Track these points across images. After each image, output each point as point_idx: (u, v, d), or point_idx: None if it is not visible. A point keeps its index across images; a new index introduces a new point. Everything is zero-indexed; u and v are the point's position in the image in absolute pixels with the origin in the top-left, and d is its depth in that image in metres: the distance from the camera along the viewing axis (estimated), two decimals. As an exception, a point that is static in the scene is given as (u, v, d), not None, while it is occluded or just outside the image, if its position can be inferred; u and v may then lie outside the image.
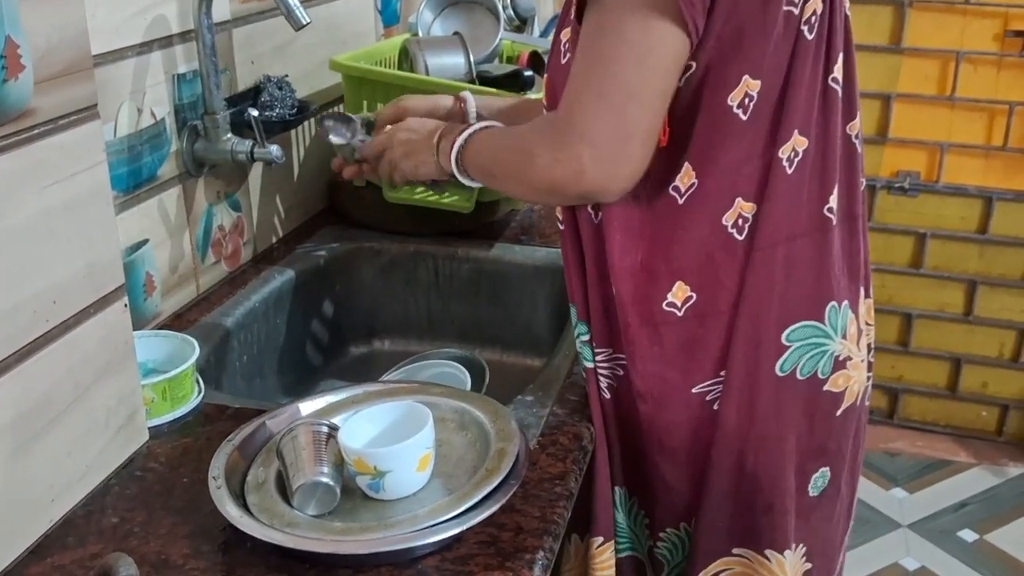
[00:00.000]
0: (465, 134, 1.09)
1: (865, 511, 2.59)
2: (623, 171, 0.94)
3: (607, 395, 1.11)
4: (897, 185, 2.79)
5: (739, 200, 1.00)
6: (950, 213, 2.79)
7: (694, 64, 0.95)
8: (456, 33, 1.71)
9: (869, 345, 1.15)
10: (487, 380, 1.37)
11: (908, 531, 2.55)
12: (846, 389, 1.10)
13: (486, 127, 1.11)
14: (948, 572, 2.40)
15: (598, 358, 1.10)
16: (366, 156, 1.28)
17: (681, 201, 1.00)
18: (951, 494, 2.69)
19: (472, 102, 1.29)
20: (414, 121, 1.22)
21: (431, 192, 1.56)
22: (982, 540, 2.51)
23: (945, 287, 2.85)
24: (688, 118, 0.98)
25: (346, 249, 1.60)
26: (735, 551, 1.11)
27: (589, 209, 1.05)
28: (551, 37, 2.02)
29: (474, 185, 1.13)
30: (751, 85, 0.96)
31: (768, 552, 1.10)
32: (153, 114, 1.26)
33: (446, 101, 1.30)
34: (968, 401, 2.93)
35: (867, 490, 2.68)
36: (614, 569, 1.15)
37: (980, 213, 2.76)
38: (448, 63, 1.64)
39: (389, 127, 1.24)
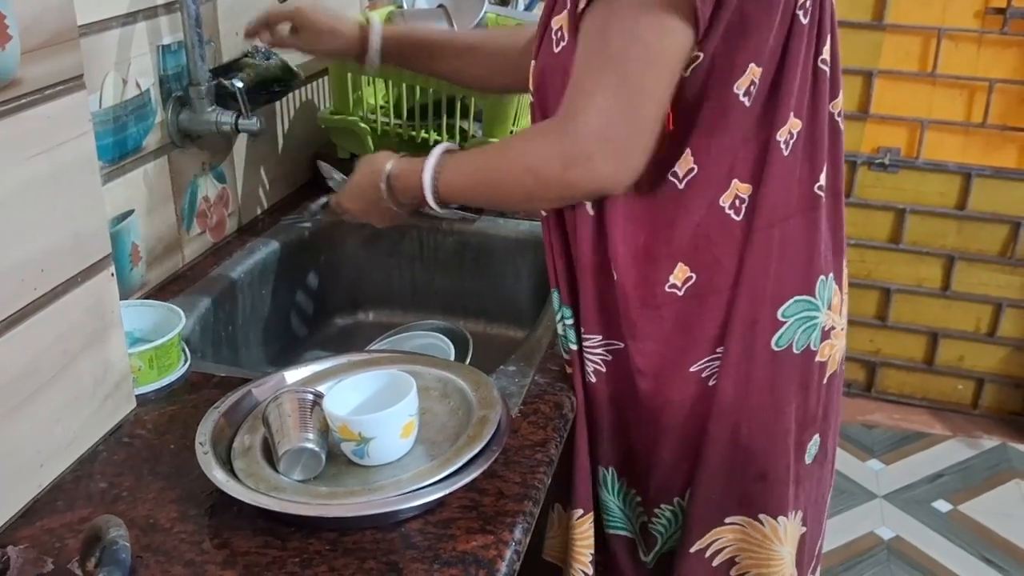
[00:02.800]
0: (429, 174, 1.05)
1: (842, 481, 2.64)
2: (633, 164, 0.95)
3: (593, 379, 1.12)
4: (878, 161, 2.81)
5: (735, 181, 1.02)
6: (929, 189, 2.81)
7: (702, 55, 0.96)
8: (441, 5, 1.72)
9: (845, 313, 1.18)
10: (470, 351, 1.39)
11: (884, 501, 2.59)
12: (830, 358, 1.13)
13: (445, 156, 1.07)
14: (922, 541, 2.44)
15: (587, 343, 1.11)
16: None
17: (681, 186, 1.02)
18: (926, 465, 2.74)
19: (378, 29, 1.25)
20: (355, 197, 1.18)
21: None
22: (956, 510, 2.56)
23: (923, 262, 2.88)
24: (693, 106, 0.99)
25: (331, 221, 1.61)
26: (727, 520, 1.13)
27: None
28: (536, 11, 2.04)
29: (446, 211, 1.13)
30: (755, 72, 0.97)
31: (762, 516, 1.13)
32: (138, 85, 1.26)
33: (350, 28, 1.27)
34: (944, 374, 2.97)
35: (844, 461, 2.72)
36: (592, 540, 1.18)
37: (959, 189, 2.79)
38: (432, 36, 1.64)
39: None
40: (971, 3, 2.61)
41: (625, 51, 0.91)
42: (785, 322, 1.07)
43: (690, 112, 0.99)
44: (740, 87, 0.98)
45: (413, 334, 1.47)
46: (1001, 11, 2.58)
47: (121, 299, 1.06)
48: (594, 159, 0.93)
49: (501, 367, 1.16)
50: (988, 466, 2.74)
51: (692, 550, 1.14)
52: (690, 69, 0.97)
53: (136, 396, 1.08)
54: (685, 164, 1.01)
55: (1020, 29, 2.59)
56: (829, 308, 1.10)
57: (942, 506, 2.57)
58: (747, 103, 0.99)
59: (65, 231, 0.93)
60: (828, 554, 2.37)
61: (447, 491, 0.89)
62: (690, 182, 1.02)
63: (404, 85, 1.59)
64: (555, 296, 1.13)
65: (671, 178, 1.02)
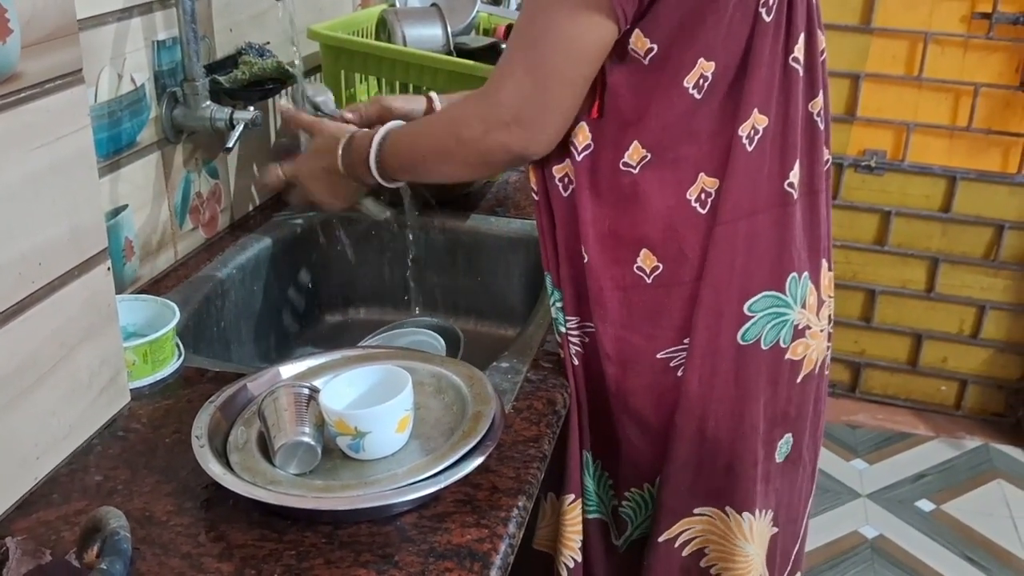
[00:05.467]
0: (376, 140, 1.14)
1: (826, 481, 2.66)
2: (545, 138, 1.03)
3: (575, 361, 1.14)
4: (864, 163, 2.84)
5: (702, 175, 1.04)
6: (915, 192, 2.84)
7: (656, 47, 0.99)
8: (434, 4, 1.73)
9: (829, 316, 1.19)
10: (462, 349, 1.40)
11: (867, 500, 2.62)
12: (804, 357, 1.14)
13: (392, 128, 1.15)
14: (905, 540, 2.47)
15: (568, 324, 1.14)
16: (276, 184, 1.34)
17: (636, 172, 1.04)
18: (910, 465, 2.77)
19: (437, 100, 1.35)
20: (311, 159, 1.26)
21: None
22: (938, 510, 2.58)
23: (908, 264, 2.91)
24: (642, 96, 1.01)
25: (322, 218, 1.61)
26: (696, 511, 1.15)
27: (558, 182, 1.08)
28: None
29: (393, 186, 1.19)
30: (705, 67, 1.00)
31: (728, 509, 1.15)
32: (133, 80, 1.27)
33: (420, 104, 1.35)
34: (928, 376, 3.00)
35: (828, 461, 2.74)
36: (582, 526, 1.20)
37: (944, 192, 2.82)
38: (426, 34, 1.66)
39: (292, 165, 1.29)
40: (957, 8, 2.63)
41: (544, 35, 0.99)
42: (752, 316, 1.08)
43: (639, 101, 1.02)
44: (689, 81, 1.00)
45: (404, 331, 1.48)
46: (987, 16, 2.61)
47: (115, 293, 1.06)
48: (510, 128, 1.02)
49: (494, 363, 1.17)
50: (971, 466, 2.77)
51: (661, 539, 1.16)
52: (647, 59, 0.99)
53: (131, 390, 1.08)
54: (636, 153, 1.03)
55: (1005, 34, 2.62)
56: (803, 307, 1.11)
57: (925, 505, 2.60)
58: (697, 96, 1.01)
59: (63, 225, 0.94)
60: (812, 553, 2.39)
61: (442, 485, 0.90)
62: (646, 168, 1.04)
63: (397, 83, 1.59)
64: (548, 279, 1.15)
65: (623, 168, 1.04)
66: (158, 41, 1.31)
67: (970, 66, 2.68)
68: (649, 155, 1.03)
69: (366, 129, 1.21)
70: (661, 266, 1.06)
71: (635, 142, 1.03)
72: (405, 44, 1.62)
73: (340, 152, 1.19)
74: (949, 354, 2.97)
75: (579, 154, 1.05)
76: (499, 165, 1.13)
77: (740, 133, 1.02)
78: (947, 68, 2.70)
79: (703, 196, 1.04)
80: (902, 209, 2.86)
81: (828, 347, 1.20)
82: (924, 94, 2.74)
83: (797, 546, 1.30)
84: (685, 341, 1.08)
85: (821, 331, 1.16)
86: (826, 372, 1.22)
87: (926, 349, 2.97)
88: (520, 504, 0.93)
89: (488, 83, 1.03)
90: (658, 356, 1.09)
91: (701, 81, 1.00)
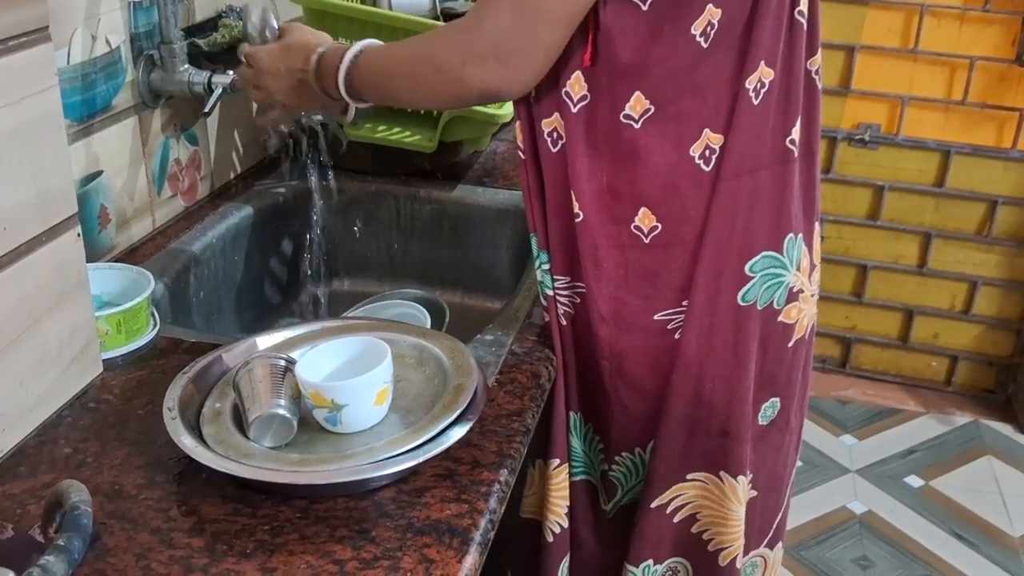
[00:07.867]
0: (348, 57, 1.08)
1: (815, 456, 2.65)
2: (524, 77, 0.99)
3: (564, 322, 1.13)
4: (858, 137, 2.81)
5: (707, 131, 1.01)
6: (908, 166, 2.81)
7: None
8: (421, -28, 1.68)
9: (818, 281, 1.17)
10: (447, 321, 1.38)
11: (856, 476, 2.61)
12: (797, 322, 1.12)
13: (366, 46, 1.09)
14: (894, 516, 2.46)
15: (557, 284, 1.11)
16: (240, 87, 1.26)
17: (638, 126, 1.01)
18: (899, 441, 2.76)
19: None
20: (277, 57, 1.17)
21: (393, 131, 1.54)
22: (927, 486, 2.58)
23: (900, 239, 2.89)
24: (642, 42, 0.98)
25: (305, 187, 1.58)
26: (688, 476, 1.13)
27: (547, 137, 1.05)
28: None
29: (360, 106, 1.13)
30: (713, 13, 0.97)
31: (722, 474, 1.13)
32: (108, 42, 1.23)
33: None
34: (919, 351, 2.99)
35: (817, 436, 2.73)
36: (567, 490, 1.18)
37: (938, 166, 2.79)
38: (412, -1, 1.62)
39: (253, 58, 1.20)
40: (954, -21, 2.60)
41: None
42: (752, 277, 1.06)
43: (642, 50, 0.98)
44: (697, 28, 0.97)
45: (389, 303, 1.45)
46: (984, -12, 2.57)
47: (89, 262, 1.03)
48: (488, 62, 0.97)
49: (478, 336, 1.14)
50: (960, 442, 2.76)
51: (653, 505, 1.14)
52: (648, 2, 0.96)
53: (103, 361, 1.05)
54: (638, 106, 1.00)
55: (1002, 6, 2.58)
56: (798, 269, 1.10)
57: (914, 481, 2.59)
58: (704, 44, 0.98)
59: (29, 189, 0.90)
60: (801, 527, 2.38)
61: (421, 459, 0.87)
62: (649, 123, 1.00)
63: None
64: (533, 241, 1.13)
65: (624, 120, 1.01)
66: (134, 2, 1.27)
67: (966, 39, 2.65)
68: (652, 108, 1.00)
69: (340, 43, 1.15)
70: (660, 226, 1.04)
71: (637, 92, 0.99)
72: (391, 8, 1.59)
73: (314, 62, 1.12)
74: (940, 330, 2.95)
75: (575, 105, 1.02)
76: (472, 99, 1.08)
77: (747, 86, 0.99)
78: (943, 41, 2.66)
79: (707, 153, 1.01)
80: (895, 184, 2.83)
81: (815, 313, 1.19)
82: (919, 67, 2.71)
83: (779, 515, 1.28)
84: (684, 304, 1.06)
85: (812, 296, 1.14)
86: (813, 339, 1.20)
87: (917, 325, 2.95)
88: (502, 478, 0.90)
89: (470, 14, 0.99)
90: (655, 318, 1.07)
91: (708, 29, 0.97)
